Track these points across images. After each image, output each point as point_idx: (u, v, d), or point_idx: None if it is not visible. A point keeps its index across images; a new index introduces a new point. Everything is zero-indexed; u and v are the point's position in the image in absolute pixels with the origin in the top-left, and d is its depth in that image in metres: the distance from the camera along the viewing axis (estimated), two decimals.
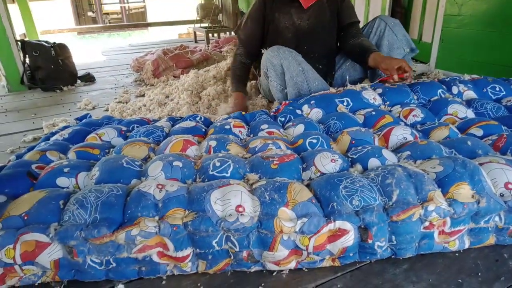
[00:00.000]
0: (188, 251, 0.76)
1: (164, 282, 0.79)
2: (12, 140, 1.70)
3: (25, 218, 0.74)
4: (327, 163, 0.91)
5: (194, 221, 0.73)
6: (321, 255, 0.77)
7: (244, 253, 0.76)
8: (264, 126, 1.20)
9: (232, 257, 0.78)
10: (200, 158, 0.99)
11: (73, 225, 0.72)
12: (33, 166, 0.95)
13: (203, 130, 1.22)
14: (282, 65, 1.49)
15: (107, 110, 1.99)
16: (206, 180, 0.88)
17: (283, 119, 1.30)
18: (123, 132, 1.20)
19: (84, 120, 1.42)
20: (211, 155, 0.96)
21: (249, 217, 0.74)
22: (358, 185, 0.79)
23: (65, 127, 1.33)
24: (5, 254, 0.71)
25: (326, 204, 0.78)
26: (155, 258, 0.76)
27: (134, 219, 0.74)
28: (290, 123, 1.24)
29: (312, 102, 1.33)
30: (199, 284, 0.78)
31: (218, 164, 0.90)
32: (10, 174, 0.90)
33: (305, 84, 1.50)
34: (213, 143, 1.04)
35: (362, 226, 0.75)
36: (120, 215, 0.75)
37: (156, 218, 0.75)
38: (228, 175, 0.88)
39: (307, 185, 0.85)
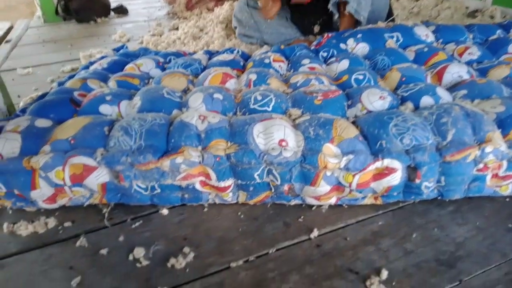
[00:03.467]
0: (230, 181, 0.76)
1: (205, 209, 0.81)
2: (51, 70, 1.72)
3: (72, 142, 0.76)
4: (375, 100, 0.86)
5: (237, 153, 0.72)
6: (363, 192, 0.75)
7: (285, 187, 0.76)
8: (306, 61, 1.14)
9: (272, 190, 0.77)
10: (239, 92, 0.96)
11: (119, 150, 0.73)
12: (75, 93, 0.95)
13: (242, 63, 1.17)
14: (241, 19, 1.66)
15: (141, 42, 1.96)
16: (247, 114, 0.85)
17: (325, 54, 1.23)
18: (160, 64, 1.17)
19: (121, 51, 1.40)
20: (251, 89, 0.93)
21: (292, 152, 0.72)
22: (410, 123, 0.75)
23: (102, 57, 1.31)
24: (55, 175, 0.74)
25: (374, 142, 0.74)
26: (198, 186, 0.78)
27: (178, 148, 0.74)
28: (334, 59, 1.16)
29: (359, 36, 1.23)
30: (239, 213, 0.79)
31: (259, 97, 0.87)
32: (53, 100, 0.91)
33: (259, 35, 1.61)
34: (253, 77, 1.00)
35: (412, 166, 0.72)
36: (164, 144, 0.75)
37: (199, 148, 0.75)
38: (270, 109, 0.86)
39: (353, 123, 0.81)
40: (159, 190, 0.78)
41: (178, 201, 0.81)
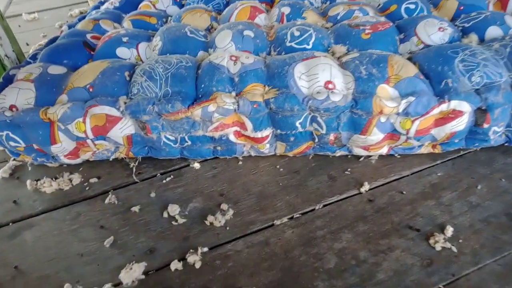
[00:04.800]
0: (268, 131, 0.68)
1: (240, 162, 0.74)
2: (58, 14, 1.60)
3: (90, 90, 0.68)
4: (434, 32, 0.73)
5: (277, 98, 0.63)
6: (421, 140, 0.66)
7: (331, 136, 0.67)
8: None
9: (316, 140, 0.69)
10: (271, 28, 0.84)
11: (144, 98, 0.64)
12: (88, 36, 0.85)
13: None
14: None
15: None
16: (283, 53, 0.75)
17: None
18: (178, 0, 1.04)
19: None
20: (285, 24, 0.81)
21: (342, 95, 0.62)
22: (479, 58, 0.63)
23: None
24: (76, 128, 0.67)
25: (437, 81, 0.63)
26: (232, 137, 0.70)
27: (209, 94, 0.65)
28: None
29: None
30: (278, 167, 0.72)
31: (297, 33, 0.75)
32: (66, 44, 0.81)
33: None
34: (286, 10, 0.87)
35: (483, 108, 0.61)
36: (193, 89, 0.66)
37: (233, 93, 0.65)
38: (310, 46, 0.74)
39: (409, 59, 0.70)
40: (189, 143, 0.70)
41: (210, 154, 0.74)
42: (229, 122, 0.67)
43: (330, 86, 0.63)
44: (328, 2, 0.98)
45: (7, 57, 0.94)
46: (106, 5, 1.08)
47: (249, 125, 0.67)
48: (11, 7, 1.71)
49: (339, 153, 0.71)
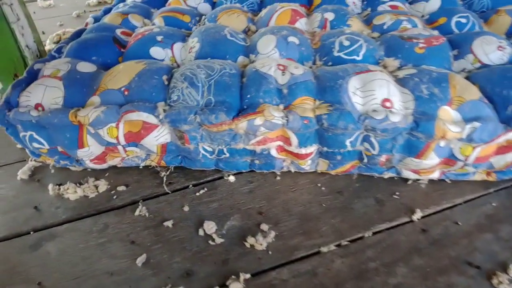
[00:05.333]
0: (313, 148, 0.63)
1: (278, 178, 0.69)
2: (75, 2, 1.54)
3: (125, 93, 0.62)
4: (492, 51, 0.69)
5: (331, 114, 0.58)
6: (479, 167, 0.62)
7: (382, 158, 0.62)
8: None
9: (364, 160, 0.64)
10: (313, 34, 0.79)
11: (185, 107, 0.59)
12: (118, 31, 0.80)
13: None
14: None
15: None
16: (330, 63, 0.70)
17: None
18: None
19: None
20: (332, 32, 0.76)
21: (401, 116, 0.57)
22: None
23: None
24: (108, 133, 0.62)
25: (502, 106, 0.59)
26: (273, 152, 0.65)
27: (255, 105, 0.60)
28: None
29: None
30: (319, 185, 0.67)
31: (346, 43, 0.70)
32: (95, 39, 0.76)
33: None
34: (330, 16, 0.82)
35: None
36: (238, 99, 0.61)
37: (281, 107, 0.61)
38: (360, 58, 0.69)
39: (466, 79, 0.65)
40: (227, 155, 0.65)
41: (246, 168, 0.69)
42: (273, 136, 0.62)
43: (387, 104, 0.58)
44: (369, 9, 0.93)
45: (27, 47, 0.89)
46: None
47: (294, 140, 0.62)
48: None
49: (387, 175, 0.67)
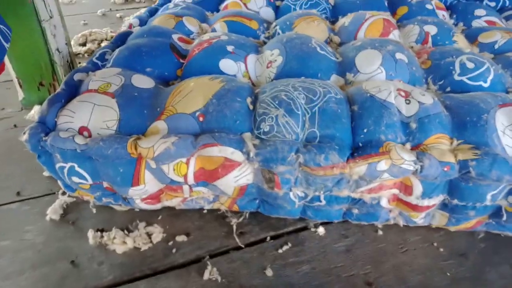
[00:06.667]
0: (438, 199, 0.49)
1: (380, 232, 0.54)
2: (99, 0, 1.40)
3: (200, 119, 0.48)
4: None
5: (481, 161, 0.43)
6: None
7: None
8: (480, 11, 0.80)
9: (503, 217, 0.50)
10: (418, 51, 0.64)
11: (283, 142, 0.45)
12: (175, 37, 0.65)
13: (386, 3, 0.84)
14: None
15: None
16: (449, 88, 0.55)
17: (493, 3, 0.88)
18: (272, 0, 0.85)
19: None
20: (443, 49, 0.62)
21: None
22: None
23: None
24: (174, 169, 0.47)
25: None
26: (384, 202, 0.50)
27: (375, 143, 0.45)
28: None
29: None
30: (435, 244, 0.53)
31: (470, 65, 0.56)
32: (149, 46, 0.61)
33: None
34: (432, 30, 0.68)
35: None
36: (349, 134, 0.47)
37: (408, 146, 0.46)
38: (487, 85, 0.55)
39: None
40: (323, 203, 0.50)
41: (340, 218, 0.54)
42: (390, 183, 0.47)
43: None
44: (461, 23, 0.79)
45: (58, 51, 0.74)
46: None
47: (418, 189, 0.47)
48: None
49: None
